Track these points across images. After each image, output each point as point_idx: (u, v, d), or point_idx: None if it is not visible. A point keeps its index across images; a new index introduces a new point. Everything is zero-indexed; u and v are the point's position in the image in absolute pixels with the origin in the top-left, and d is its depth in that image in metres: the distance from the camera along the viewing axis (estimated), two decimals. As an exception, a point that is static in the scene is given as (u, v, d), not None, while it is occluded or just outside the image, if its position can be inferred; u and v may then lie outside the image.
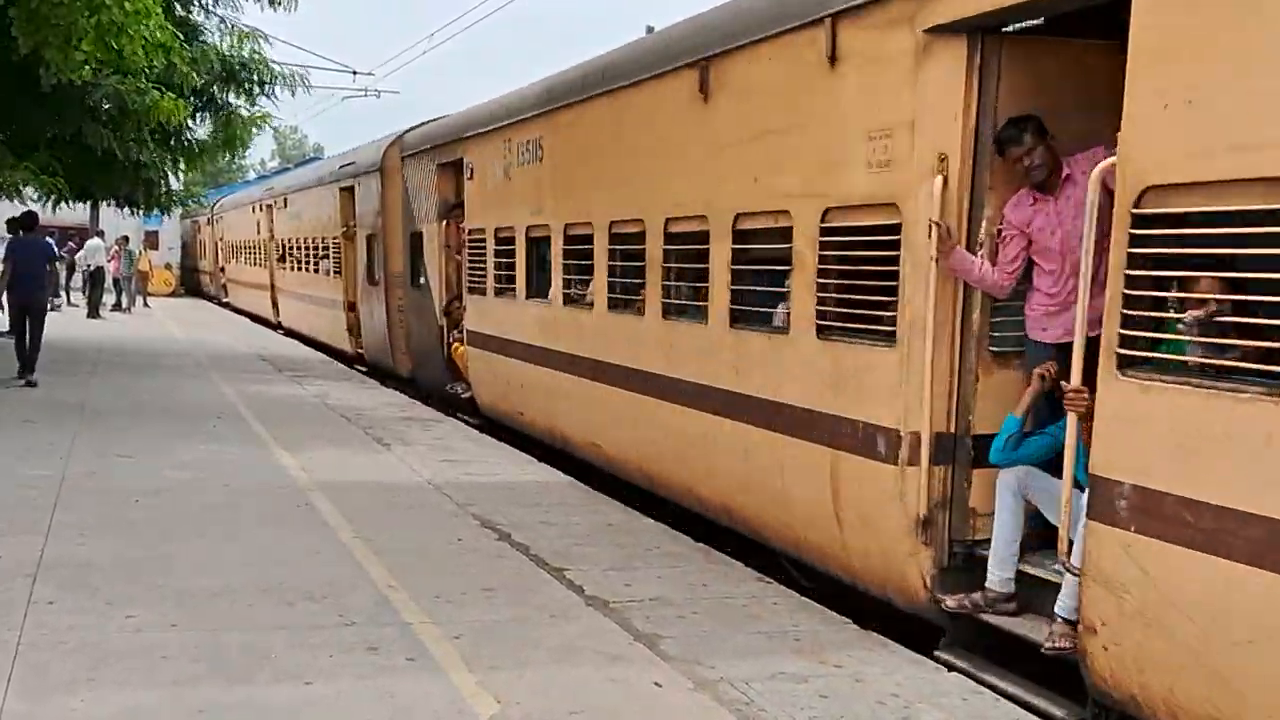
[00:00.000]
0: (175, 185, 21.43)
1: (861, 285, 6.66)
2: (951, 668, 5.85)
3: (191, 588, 6.47)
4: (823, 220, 6.91)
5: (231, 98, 18.02)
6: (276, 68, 18.13)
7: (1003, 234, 5.99)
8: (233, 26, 18.08)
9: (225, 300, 39.15)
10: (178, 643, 5.56)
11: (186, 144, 18.63)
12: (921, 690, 5.43)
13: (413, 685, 5.20)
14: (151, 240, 42.69)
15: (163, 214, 25.54)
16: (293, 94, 18.82)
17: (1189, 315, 4.75)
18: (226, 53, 17.54)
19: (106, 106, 15.21)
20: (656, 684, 5.36)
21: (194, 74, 15.29)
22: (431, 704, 4.99)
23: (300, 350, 23.56)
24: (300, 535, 7.86)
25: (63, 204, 19.65)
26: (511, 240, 12.35)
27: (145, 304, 35.73)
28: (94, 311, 28.95)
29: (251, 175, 68.89)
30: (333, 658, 5.48)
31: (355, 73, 30.39)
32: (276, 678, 5.19)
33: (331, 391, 16.36)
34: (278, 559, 7.20)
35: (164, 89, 14.99)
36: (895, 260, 6.28)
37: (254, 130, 18.76)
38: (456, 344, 14.97)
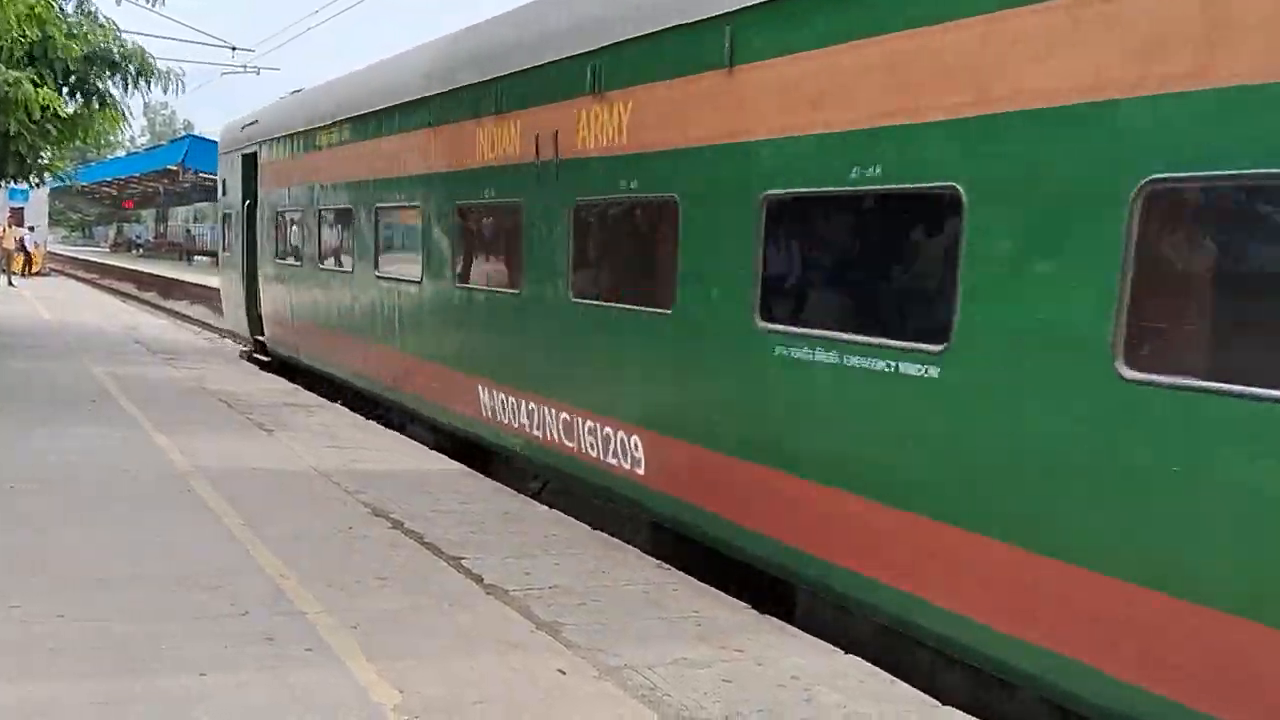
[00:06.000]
0: (45, 160, 20.65)
1: None
2: None
3: (75, 577, 6.27)
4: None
5: (109, 85, 17.44)
6: (154, 62, 17.64)
7: None
8: (93, 13, 17.45)
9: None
10: (66, 634, 5.39)
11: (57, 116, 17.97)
12: (821, 672, 5.53)
13: (313, 676, 5.11)
14: (16, 216, 40.99)
15: (35, 184, 24.55)
16: (164, 90, 18.48)
17: None
18: (97, 43, 16.97)
19: None
20: (560, 671, 5.35)
21: (73, 46, 14.69)
22: (333, 694, 4.91)
23: (171, 332, 22.93)
24: (185, 523, 7.66)
25: None
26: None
27: (10, 283, 34.40)
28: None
29: (120, 152, 66.75)
30: (228, 648, 5.35)
31: (234, 48, 29.50)
32: (171, 669, 5.05)
33: (208, 374, 15.98)
34: (163, 547, 7.01)
35: (36, 65, 14.45)
36: None
37: (118, 124, 18.43)
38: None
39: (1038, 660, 4.89)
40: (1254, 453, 4.00)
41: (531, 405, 9.29)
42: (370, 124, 12.90)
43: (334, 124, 14.17)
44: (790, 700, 5.17)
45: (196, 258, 70.35)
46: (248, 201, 18.27)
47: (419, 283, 11.62)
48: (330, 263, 14.78)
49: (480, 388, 10.25)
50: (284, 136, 16.43)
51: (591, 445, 8.40)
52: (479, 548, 7.48)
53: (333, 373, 15.11)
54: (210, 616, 5.80)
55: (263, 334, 18.27)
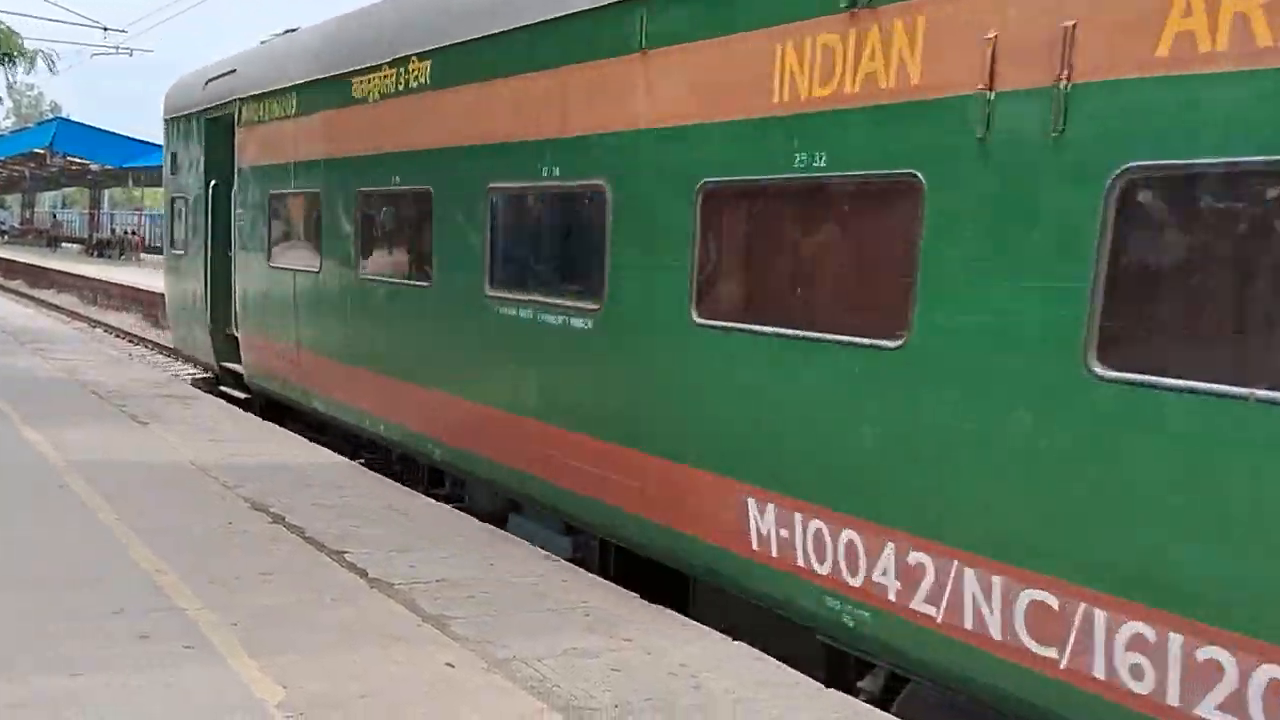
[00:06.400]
0: None
1: None
2: None
3: (-62, 576, 6.02)
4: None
5: None
6: (21, 42, 17.02)
7: None
8: None
9: None
10: (-74, 636, 5.16)
11: None
12: (709, 660, 5.57)
13: (193, 674, 4.98)
14: None
15: None
16: (28, 72, 17.81)
17: None
18: None
19: None
20: (449, 664, 5.30)
21: None
22: (214, 692, 4.79)
23: (39, 321, 22.16)
24: (57, 518, 7.41)
25: None
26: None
27: None
28: None
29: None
30: (102, 648, 5.18)
31: (106, 29, 28.55)
32: (41, 669, 4.87)
33: (80, 365, 15.48)
34: (34, 544, 6.78)
35: None
36: None
37: None
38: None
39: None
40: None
41: (918, 558, 5.10)
42: (474, 59, 8.54)
43: (395, 64, 9.64)
44: (680, 688, 5.20)
45: (63, 245, 68.24)
46: (215, 182, 14.10)
47: (596, 311, 7.27)
48: (381, 271, 10.38)
49: (751, 502, 6.08)
50: (289, 88, 11.93)
51: (1136, 674, 4.21)
52: (363, 541, 7.37)
53: (373, 429, 10.62)
54: (84, 615, 5.61)
55: (238, 361, 14.04)
